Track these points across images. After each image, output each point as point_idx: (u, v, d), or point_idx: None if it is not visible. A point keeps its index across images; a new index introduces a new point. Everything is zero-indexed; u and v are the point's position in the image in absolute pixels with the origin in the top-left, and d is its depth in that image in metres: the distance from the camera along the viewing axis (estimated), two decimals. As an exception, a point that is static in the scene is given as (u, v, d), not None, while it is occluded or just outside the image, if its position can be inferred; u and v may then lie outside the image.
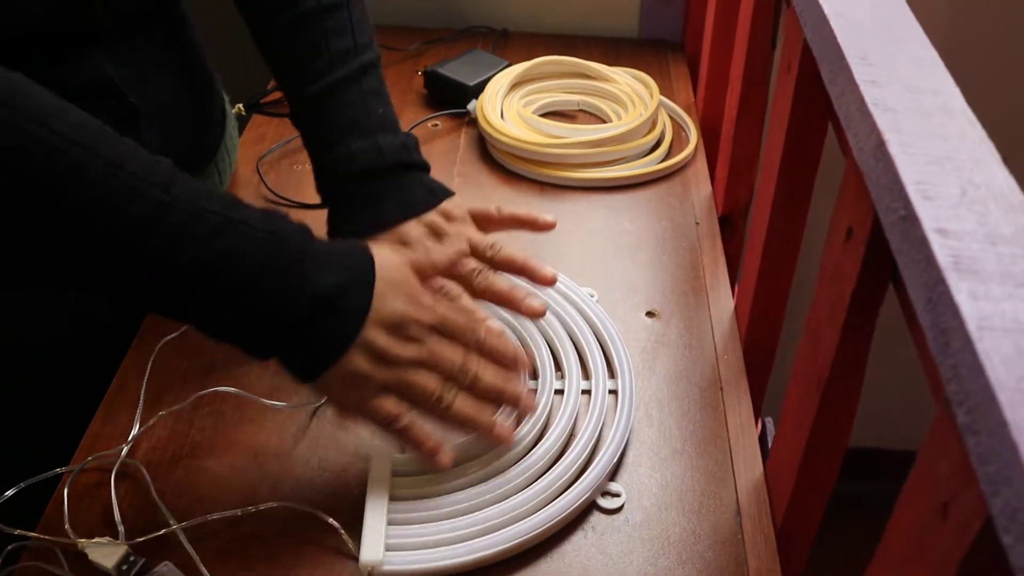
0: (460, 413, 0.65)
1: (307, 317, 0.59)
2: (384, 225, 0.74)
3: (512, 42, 1.28)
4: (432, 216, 0.75)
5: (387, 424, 0.63)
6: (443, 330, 0.65)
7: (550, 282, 0.76)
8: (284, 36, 0.78)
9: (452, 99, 1.11)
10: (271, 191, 0.98)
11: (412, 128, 1.07)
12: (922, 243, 0.44)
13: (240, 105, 1.10)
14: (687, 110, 1.13)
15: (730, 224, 0.97)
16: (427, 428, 0.65)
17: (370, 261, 0.63)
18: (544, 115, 1.10)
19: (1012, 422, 0.34)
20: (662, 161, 1.03)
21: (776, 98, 0.74)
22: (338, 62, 0.76)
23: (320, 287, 0.59)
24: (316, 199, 0.80)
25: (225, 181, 0.95)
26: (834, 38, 0.58)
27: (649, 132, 1.06)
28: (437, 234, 0.74)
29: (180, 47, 0.84)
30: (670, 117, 1.12)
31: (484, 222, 0.79)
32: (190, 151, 0.85)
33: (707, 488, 0.71)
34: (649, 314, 0.86)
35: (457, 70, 1.12)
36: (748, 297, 0.82)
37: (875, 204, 0.51)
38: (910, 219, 0.45)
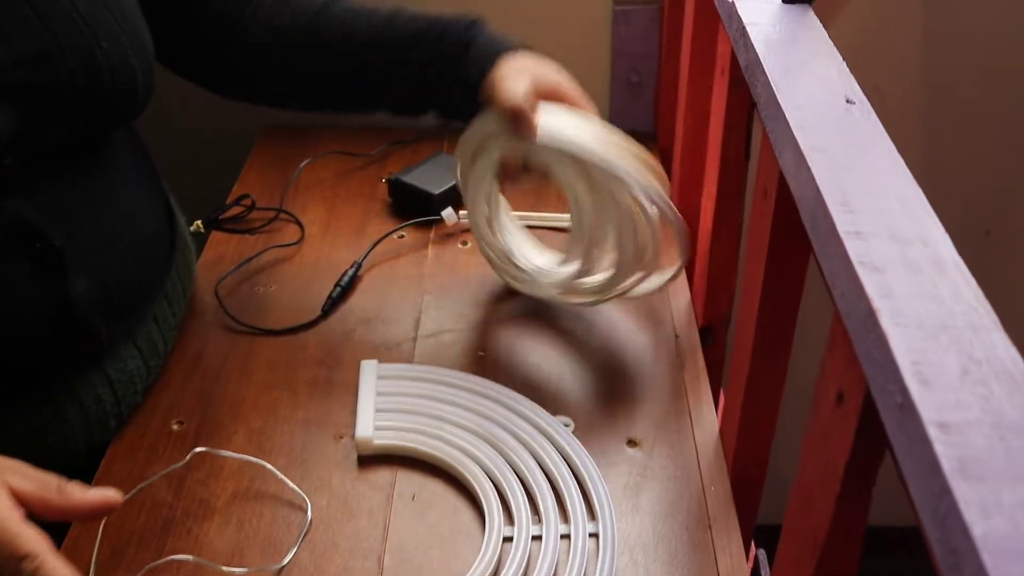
0: None
1: None
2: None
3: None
4: None
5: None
6: None
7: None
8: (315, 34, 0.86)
9: (418, 208, 1.07)
10: (232, 317, 0.94)
11: (378, 242, 1.03)
12: (923, 442, 0.39)
13: (199, 222, 1.06)
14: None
15: (712, 334, 0.93)
16: None
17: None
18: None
19: None
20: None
21: (754, 221, 0.70)
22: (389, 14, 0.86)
23: None
24: (280, 324, 0.79)
25: (178, 312, 0.90)
26: (812, 179, 0.55)
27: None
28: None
29: (120, 179, 0.80)
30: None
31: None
32: (128, 295, 0.79)
33: (700, 649, 0.66)
34: (631, 443, 0.81)
35: (422, 177, 1.08)
36: (734, 423, 0.77)
37: (867, 378, 0.46)
38: (908, 409, 0.41)
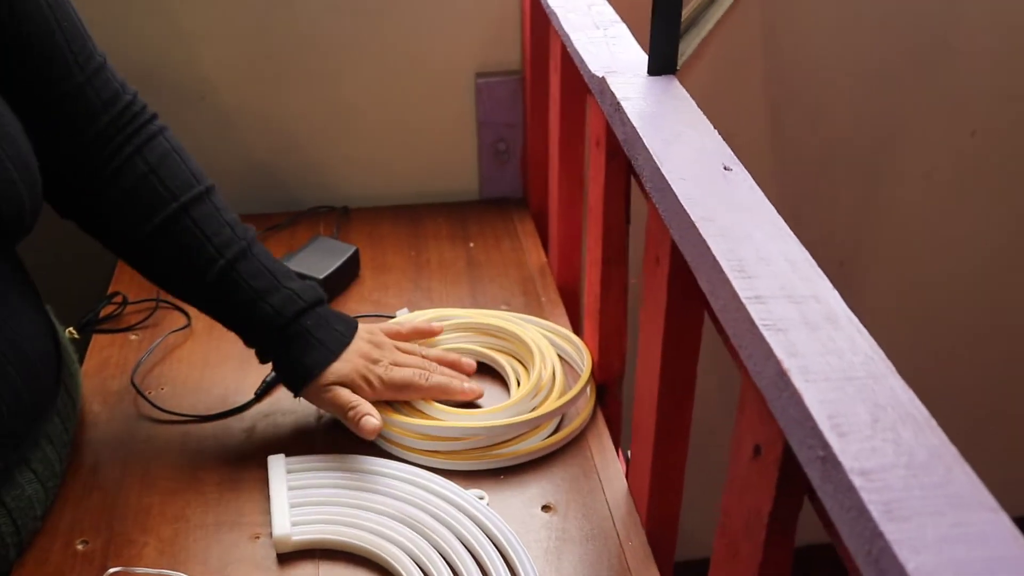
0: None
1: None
2: (335, 349, 0.87)
3: (355, 220, 1.25)
4: (365, 336, 0.90)
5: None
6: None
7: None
8: (160, 241, 0.83)
9: (304, 293, 1.07)
10: (157, 407, 0.93)
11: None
12: (849, 490, 0.43)
13: (71, 328, 1.02)
14: (540, 274, 1.13)
15: (606, 391, 0.96)
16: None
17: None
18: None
19: None
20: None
21: (648, 286, 0.73)
22: (224, 246, 0.84)
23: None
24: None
25: (70, 428, 0.87)
26: (708, 249, 0.58)
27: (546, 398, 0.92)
28: (377, 345, 0.90)
29: (1, 300, 0.77)
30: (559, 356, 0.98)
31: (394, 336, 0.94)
32: (21, 420, 0.77)
33: None
34: (545, 508, 0.83)
35: (304, 263, 1.08)
36: (644, 478, 0.80)
37: (784, 432, 0.50)
38: (830, 461, 0.45)
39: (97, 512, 0.83)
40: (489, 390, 0.96)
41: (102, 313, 1.07)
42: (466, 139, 1.25)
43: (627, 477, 0.86)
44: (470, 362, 0.97)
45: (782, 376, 0.49)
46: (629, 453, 0.90)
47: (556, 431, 0.90)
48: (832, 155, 1.37)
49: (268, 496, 0.83)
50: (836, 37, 1.29)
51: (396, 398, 0.89)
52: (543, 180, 1.23)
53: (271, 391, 0.96)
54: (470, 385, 0.92)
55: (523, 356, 0.98)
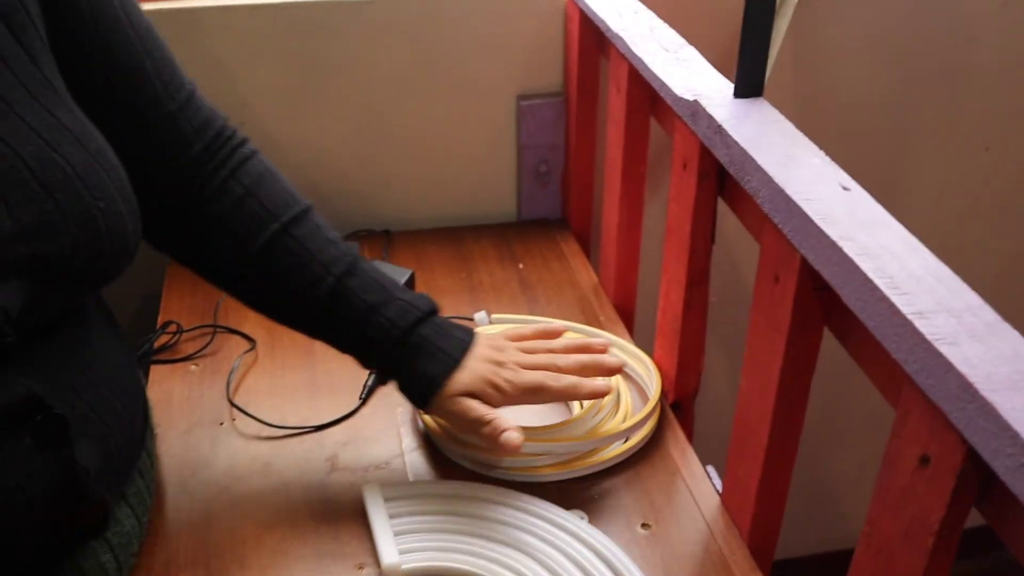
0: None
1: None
2: (457, 356, 0.83)
3: (397, 242, 1.25)
4: (485, 340, 0.87)
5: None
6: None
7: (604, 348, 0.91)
8: (264, 264, 0.82)
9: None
10: (262, 422, 0.92)
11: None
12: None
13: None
14: (595, 294, 1.14)
15: (680, 409, 0.97)
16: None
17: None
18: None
19: None
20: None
21: (762, 306, 0.74)
22: (331, 263, 0.82)
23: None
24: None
25: (154, 462, 0.86)
26: (856, 267, 0.60)
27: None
28: (499, 348, 0.87)
29: (96, 336, 0.76)
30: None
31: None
32: (124, 456, 0.76)
33: None
34: (644, 526, 0.84)
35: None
36: (749, 492, 0.81)
37: (970, 442, 0.52)
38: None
39: (191, 548, 0.82)
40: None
41: (156, 343, 1.06)
42: (506, 161, 1.26)
43: (722, 490, 0.87)
44: (601, 342, 0.91)
45: (967, 389, 0.51)
46: (709, 468, 0.91)
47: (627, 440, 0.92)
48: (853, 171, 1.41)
49: (366, 525, 0.83)
50: (859, 58, 1.33)
51: (528, 403, 0.85)
52: (586, 201, 1.25)
53: (374, 393, 0.97)
54: (604, 382, 0.87)
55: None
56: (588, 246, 1.27)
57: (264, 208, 0.82)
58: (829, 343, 0.71)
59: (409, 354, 0.82)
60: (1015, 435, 0.48)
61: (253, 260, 0.82)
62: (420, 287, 1.15)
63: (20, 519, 0.66)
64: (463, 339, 0.84)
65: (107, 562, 0.75)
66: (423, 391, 0.83)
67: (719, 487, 0.88)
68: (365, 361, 0.85)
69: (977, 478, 0.54)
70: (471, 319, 1.07)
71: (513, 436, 0.80)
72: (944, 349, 0.53)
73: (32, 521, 0.68)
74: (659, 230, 0.97)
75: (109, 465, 0.73)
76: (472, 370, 0.83)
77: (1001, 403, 0.49)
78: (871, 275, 0.59)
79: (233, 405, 0.97)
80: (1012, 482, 0.49)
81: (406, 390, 0.85)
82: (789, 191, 0.68)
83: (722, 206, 0.86)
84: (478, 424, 0.81)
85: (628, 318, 1.13)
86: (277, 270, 0.82)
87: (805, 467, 1.61)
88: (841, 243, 0.62)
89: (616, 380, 0.97)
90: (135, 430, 0.79)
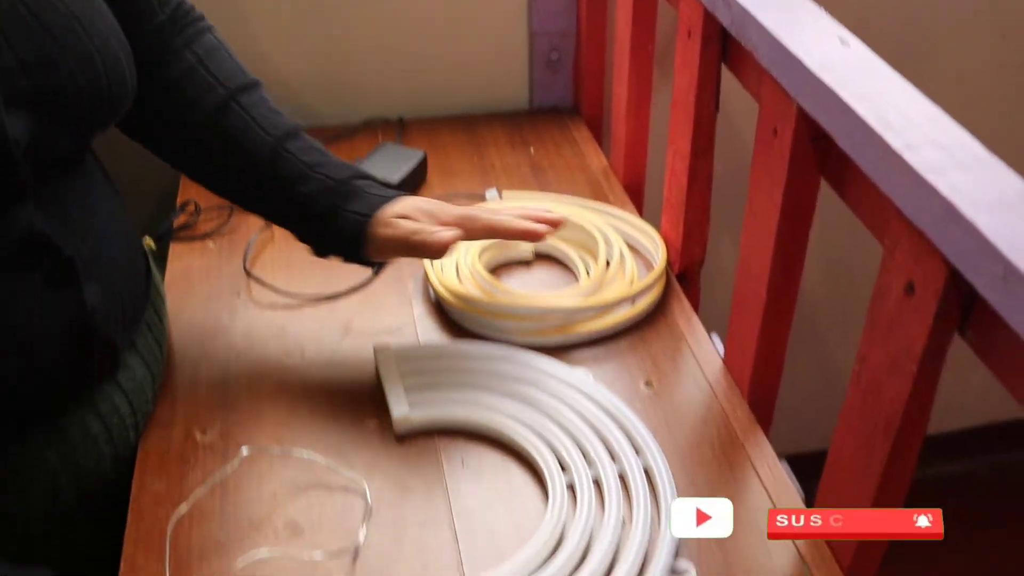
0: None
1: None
2: (390, 196, 0.84)
3: (411, 129, 1.27)
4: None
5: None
6: None
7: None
8: (211, 131, 0.84)
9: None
10: (275, 290, 0.95)
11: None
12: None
13: (147, 238, 1.04)
14: (604, 176, 1.16)
15: (686, 280, 1.00)
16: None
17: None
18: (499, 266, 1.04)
19: None
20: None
21: (761, 161, 0.76)
22: (273, 128, 0.84)
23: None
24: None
25: (164, 318, 0.89)
26: (850, 109, 0.61)
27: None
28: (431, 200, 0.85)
29: (100, 185, 0.79)
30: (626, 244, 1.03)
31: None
32: (129, 302, 0.80)
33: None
34: (647, 384, 0.87)
35: (375, 168, 1.10)
36: (748, 350, 0.83)
37: (952, 263, 0.53)
38: (1013, 276, 0.48)
39: (209, 405, 0.85)
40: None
41: (175, 223, 1.09)
42: (518, 49, 1.27)
43: (724, 353, 0.90)
44: (554, 217, 0.86)
45: (950, 211, 0.53)
46: (714, 335, 0.94)
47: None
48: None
49: (378, 384, 0.86)
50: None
51: (461, 235, 0.81)
52: (597, 87, 1.26)
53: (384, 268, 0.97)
54: (540, 226, 0.83)
55: (590, 245, 1.02)
56: (600, 134, 1.28)
57: (215, 77, 0.85)
58: (841, 236, 0.72)
59: (344, 200, 0.83)
60: (995, 250, 0.50)
61: (204, 124, 0.84)
62: (433, 170, 1.17)
63: (36, 356, 0.70)
64: (397, 192, 0.85)
65: (121, 405, 0.79)
66: (358, 223, 0.82)
67: (722, 353, 0.91)
68: (306, 228, 0.86)
69: (959, 303, 0.57)
70: (483, 197, 1.09)
71: (445, 233, 0.79)
72: (930, 177, 0.55)
73: (47, 359, 0.71)
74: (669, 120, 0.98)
75: (115, 309, 0.76)
76: (403, 201, 0.83)
77: (983, 222, 0.51)
78: (864, 116, 0.60)
79: (250, 275, 1.00)
80: (992, 296, 0.51)
81: (341, 235, 0.84)
82: (787, 44, 0.69)
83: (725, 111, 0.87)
84: (412, 236, 0.80)
85: (638, 198, 1.14)
86: (225, 136, 0.84)
87: (817, 363, 1.63)
88: (836, 89, 0.63)
89: (624, 252, 0.99)
90: (138, 282, 0.82)
